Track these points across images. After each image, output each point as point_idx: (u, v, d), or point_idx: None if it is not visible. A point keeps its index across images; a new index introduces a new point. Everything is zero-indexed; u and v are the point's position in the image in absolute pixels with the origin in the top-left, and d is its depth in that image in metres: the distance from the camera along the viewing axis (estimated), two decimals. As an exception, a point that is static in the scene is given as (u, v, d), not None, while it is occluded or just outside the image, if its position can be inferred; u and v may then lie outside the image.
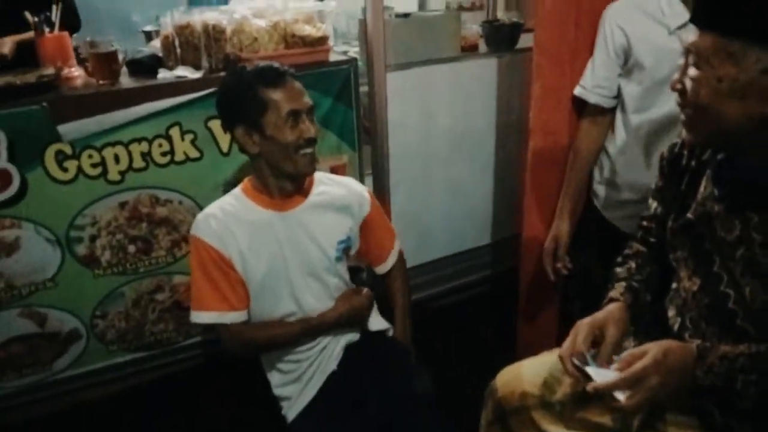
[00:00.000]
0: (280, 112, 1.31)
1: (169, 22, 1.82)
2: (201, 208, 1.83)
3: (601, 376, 0.98)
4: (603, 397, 0.99)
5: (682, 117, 1.00)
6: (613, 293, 1.17)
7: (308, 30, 1.86)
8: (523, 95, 2.19)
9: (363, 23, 2.03)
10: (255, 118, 1.32)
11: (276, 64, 1.37)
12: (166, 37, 1.83)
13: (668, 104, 1.47)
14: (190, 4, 2.12)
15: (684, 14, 1.42)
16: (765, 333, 0.98)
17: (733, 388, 0.94)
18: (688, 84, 0.94)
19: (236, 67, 1.42)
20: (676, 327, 1.12)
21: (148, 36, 2.22)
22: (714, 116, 0.93)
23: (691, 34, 0.98)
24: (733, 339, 0.99)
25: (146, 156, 1.75)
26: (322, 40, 1.89)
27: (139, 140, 1.73)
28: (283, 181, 1.40)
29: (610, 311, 1.12)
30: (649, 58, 1.51)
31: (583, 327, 1.09)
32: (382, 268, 1.65)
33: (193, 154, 1.80)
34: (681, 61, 0.98)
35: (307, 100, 1.37)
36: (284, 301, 1.46)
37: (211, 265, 1.38)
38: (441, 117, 2.30)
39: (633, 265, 1.23)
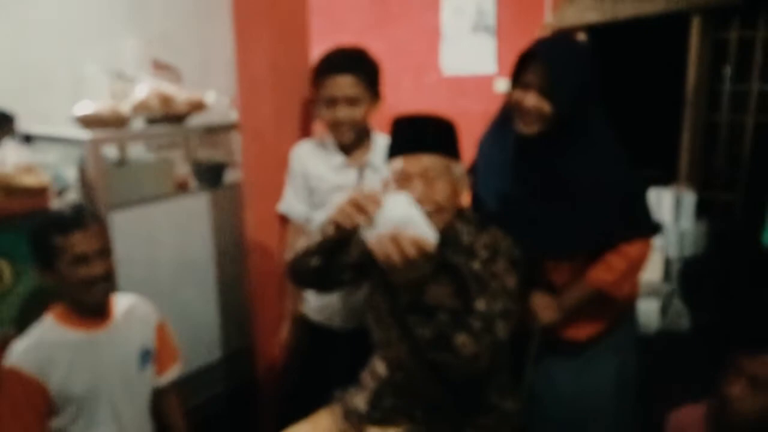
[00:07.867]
0: (68, 257, 1.45)
1: None
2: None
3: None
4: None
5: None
6: None
7: (29, 180, 1.94)
8: (234, 223, 2.56)
9: (82, 171, 2.18)
10: (49, 262, 1.46)
11: (70, 211, 1.52)
12: None
13: None
14: None
15: (339, 157, 1.98)
16: None
17: None
18: (439, 194, 1.41)
19: (39, 215, 1.55)
20: None
21: None
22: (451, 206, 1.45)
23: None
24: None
25: None
26: (42, 189, 1.99)
27: None
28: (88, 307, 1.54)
29: None
30: (319, 184, 2.01)
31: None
32: (160, 380, 1.73)
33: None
34: (393, 181, 1.45)
35: (95, 241, 1.50)
36: (102, 418, 1.53)
37: (22, 401, 1.42)
38: (164, 249, 2.51)
39: None
